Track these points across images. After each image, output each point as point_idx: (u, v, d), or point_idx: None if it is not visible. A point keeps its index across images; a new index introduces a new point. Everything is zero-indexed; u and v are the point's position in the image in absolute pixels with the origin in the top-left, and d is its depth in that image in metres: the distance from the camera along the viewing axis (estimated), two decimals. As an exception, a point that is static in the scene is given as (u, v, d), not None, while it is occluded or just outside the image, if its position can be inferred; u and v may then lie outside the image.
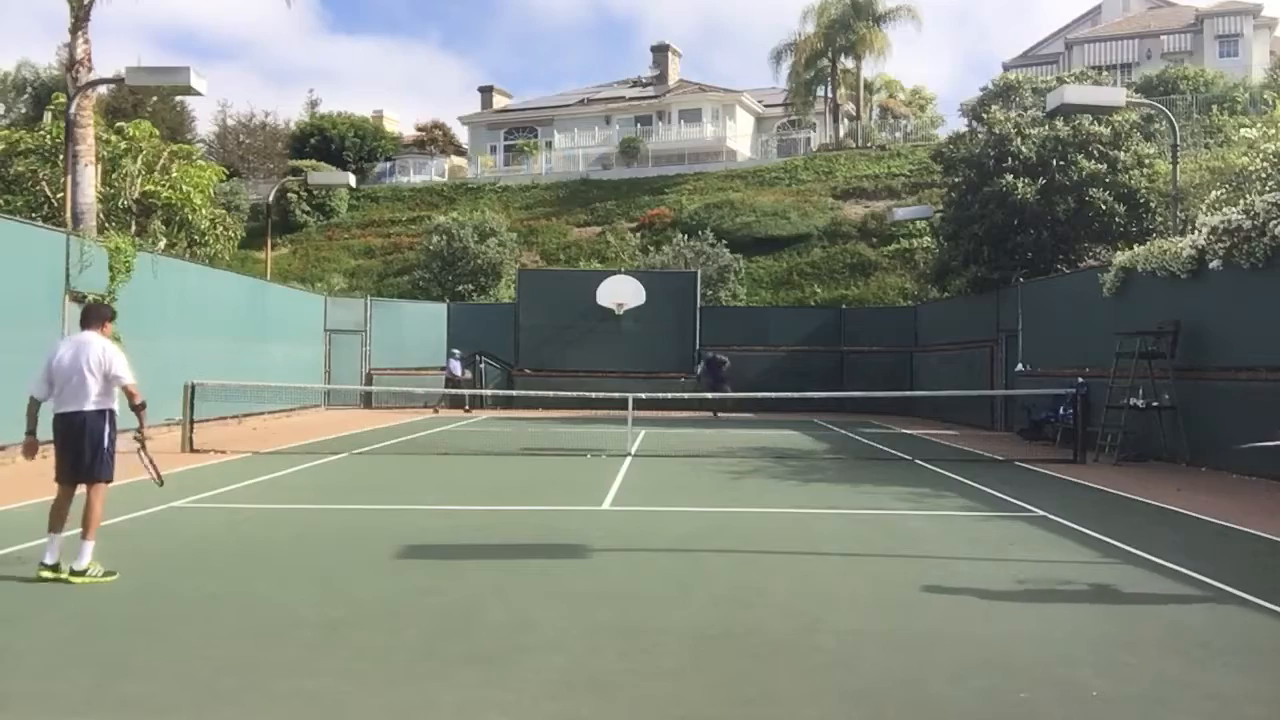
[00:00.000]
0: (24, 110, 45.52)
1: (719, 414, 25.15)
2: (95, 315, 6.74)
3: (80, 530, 6.38)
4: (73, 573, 6.30)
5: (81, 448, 6.42)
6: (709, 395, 21.90)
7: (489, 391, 25.77)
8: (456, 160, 54.85)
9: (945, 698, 4.37)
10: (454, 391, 25.32)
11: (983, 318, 22.13)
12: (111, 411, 6.50)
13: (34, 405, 6.53)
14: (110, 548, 7.57)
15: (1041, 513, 9.56)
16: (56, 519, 6.44)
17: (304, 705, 4.21)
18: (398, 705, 4.21)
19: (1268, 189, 14.58)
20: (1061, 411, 16.49)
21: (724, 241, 34.39)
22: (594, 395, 17.62)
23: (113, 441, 6.52)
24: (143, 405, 6.52)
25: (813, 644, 5.14)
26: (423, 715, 4.14)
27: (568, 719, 4.12)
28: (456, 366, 25.84)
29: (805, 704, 4.27)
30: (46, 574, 6.32)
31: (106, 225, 19.59)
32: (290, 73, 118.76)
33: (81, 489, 6.51)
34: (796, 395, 19.83)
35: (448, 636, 5.20)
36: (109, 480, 6.56)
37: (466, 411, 25.38)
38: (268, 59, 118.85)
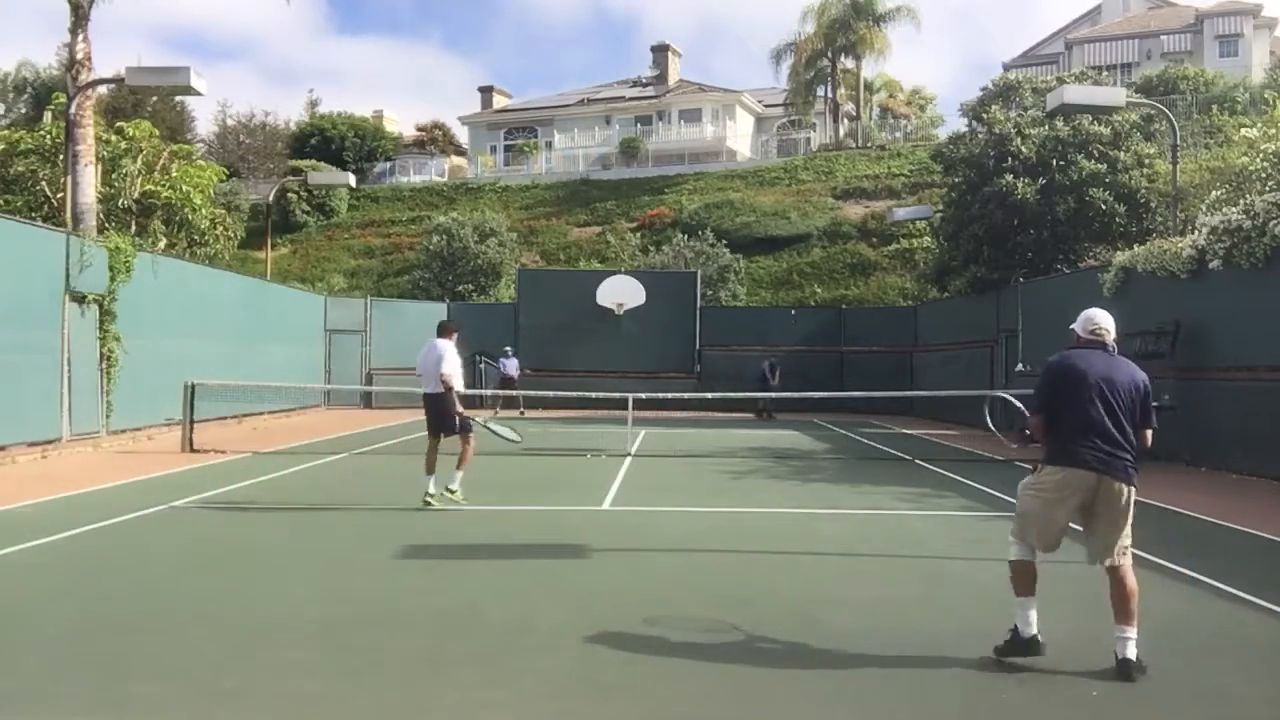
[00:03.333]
0: (24, 110, 45.53)
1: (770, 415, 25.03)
2: (441, 328, 10.01)
3: (456, 464, 9.45)
4: (447, 489, 9.39)
5: (440, 415, 9.62)
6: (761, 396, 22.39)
7: (489, 392, 25.75)
8: (456, 160, 54.83)
9: (945, 697, 4.38)
10: (509, 393, 24.38)
11: (983, 318, 22.12)
12: (450, 390, 9.52)
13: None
14: (110, 548, 7.59)
15: (1041, 513, 9.53)
16: (428, 464, 9.50)
17: (304, 705, 4.21)
18: (398, 705, 4.21)
19: (1268, 189, 14.57)
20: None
21: (724, 241, 34.37)
22: (594, 395, 17.62)
23: (453, 405, 9.53)
24: (449, 389, 9.55)
25: (813, 644, 5.14)
26: (422, 715, 4.14)
27: (567, 719, 4.12)
28: (511, 366, 25.03)
29: (805, 704, 4.27)
30: (432, 501, 9.35)
31: (106, 225, 19.59)
32: (294, 73, 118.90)
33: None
34: (796, 395, 19.83)
35: (448, 636, 5.20)
36: (466, 431, 9.59)
37: (521, 414, 24.34)
38: (272, 59, 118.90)
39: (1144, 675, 4.59)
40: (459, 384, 9.59)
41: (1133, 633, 4.69)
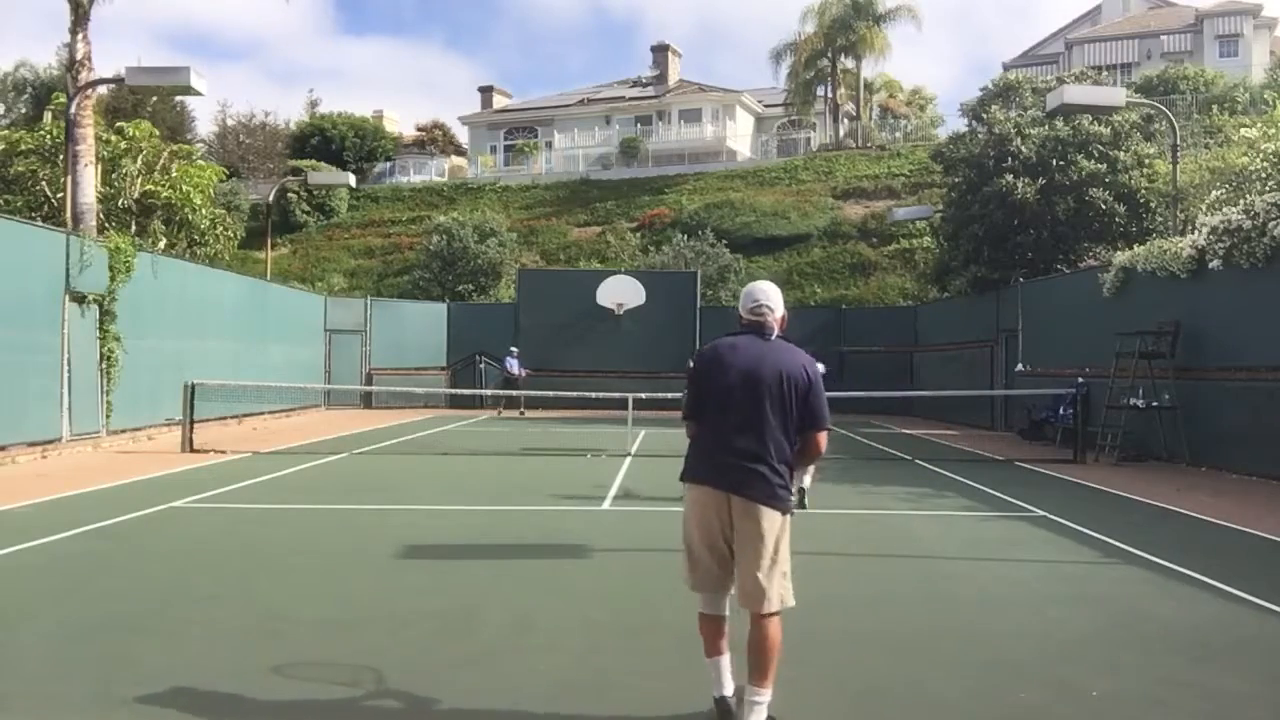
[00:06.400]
0: (24, 110, 45.48)
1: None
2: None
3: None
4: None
5: None
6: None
7: (489, 391, 25.76)
8: (456, 160, 54.82)
9: (945, 697, 4.37)
10: (511, 393, 24.20)
11: (983, 318, 22.12)
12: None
13: None
14: (110, 548, 7.59)
15: (1041, 513, 9.56)
16: None
17: (304, 705, 4.21)
18: (397, 705, 4.21)
19: (1268, 189, 14.57)
20: (1061, 411, 16.48)
21: (724, 241, 34.37)
22: (594, 395, 17.63)
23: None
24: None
25: (813, 644, 5.14)
26: (422, 715, 4.13)
27: (567, 719, 4.12)
28: (514, 365, 24.96)
29: (805, 704, 4.27)
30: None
31: (106, 225, 19.59)
32: (299, 73, 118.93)
33: None
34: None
35: (448, 636, 5.20)
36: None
37: (521, 414, 24.34)
38: (276, 60, 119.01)
39: None
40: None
41: (765, 696, 3.78)
